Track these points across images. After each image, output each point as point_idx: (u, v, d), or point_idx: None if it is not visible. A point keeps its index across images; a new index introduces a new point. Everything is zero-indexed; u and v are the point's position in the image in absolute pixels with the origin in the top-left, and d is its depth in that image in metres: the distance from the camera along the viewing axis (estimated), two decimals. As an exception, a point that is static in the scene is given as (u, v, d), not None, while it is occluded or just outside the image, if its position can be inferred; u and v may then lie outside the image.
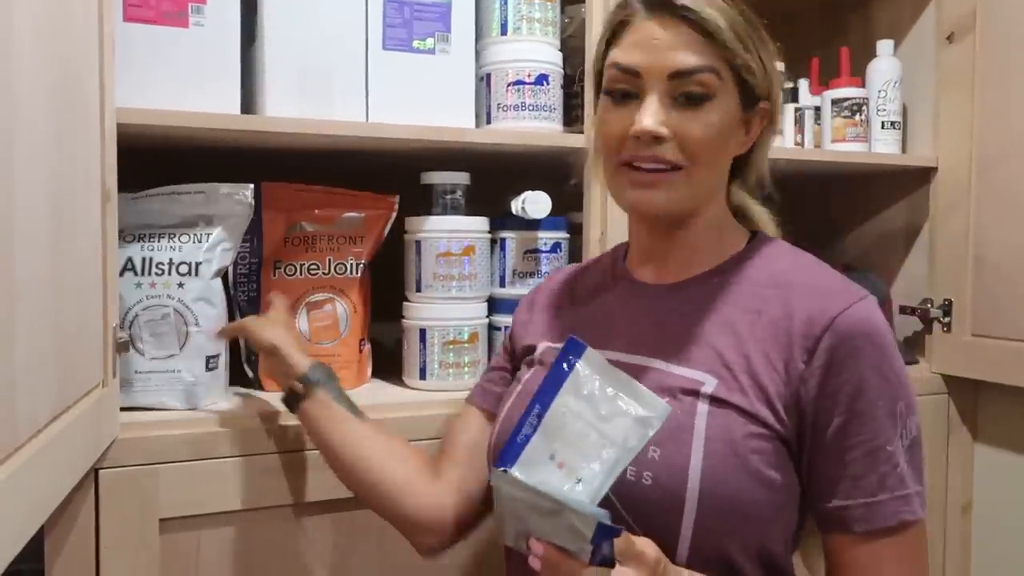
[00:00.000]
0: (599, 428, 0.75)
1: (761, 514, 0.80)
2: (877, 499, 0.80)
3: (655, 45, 0.82)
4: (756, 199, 0.97)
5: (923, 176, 1.59)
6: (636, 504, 0.80)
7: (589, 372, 0.77)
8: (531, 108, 1.25)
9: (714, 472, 0.78)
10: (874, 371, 0.80)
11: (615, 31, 0.87)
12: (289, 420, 1.08)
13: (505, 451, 0.75)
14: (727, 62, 0.83)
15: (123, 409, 1.02)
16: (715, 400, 0.81)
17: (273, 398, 1.20)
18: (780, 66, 0.88)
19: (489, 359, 1.31)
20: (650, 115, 0.82)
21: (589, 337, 0.82)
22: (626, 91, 0.84)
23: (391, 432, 1.02)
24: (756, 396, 0.81)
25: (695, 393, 0.82)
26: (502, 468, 0.73)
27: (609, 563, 0.70)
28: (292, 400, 1.02)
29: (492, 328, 1.32)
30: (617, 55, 0.85)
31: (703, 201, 0.88)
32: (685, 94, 0.82)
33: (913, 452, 0.82)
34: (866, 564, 0.80)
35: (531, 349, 0.99)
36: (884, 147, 1.57)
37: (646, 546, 0.72)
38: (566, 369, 0.77)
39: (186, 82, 1.07)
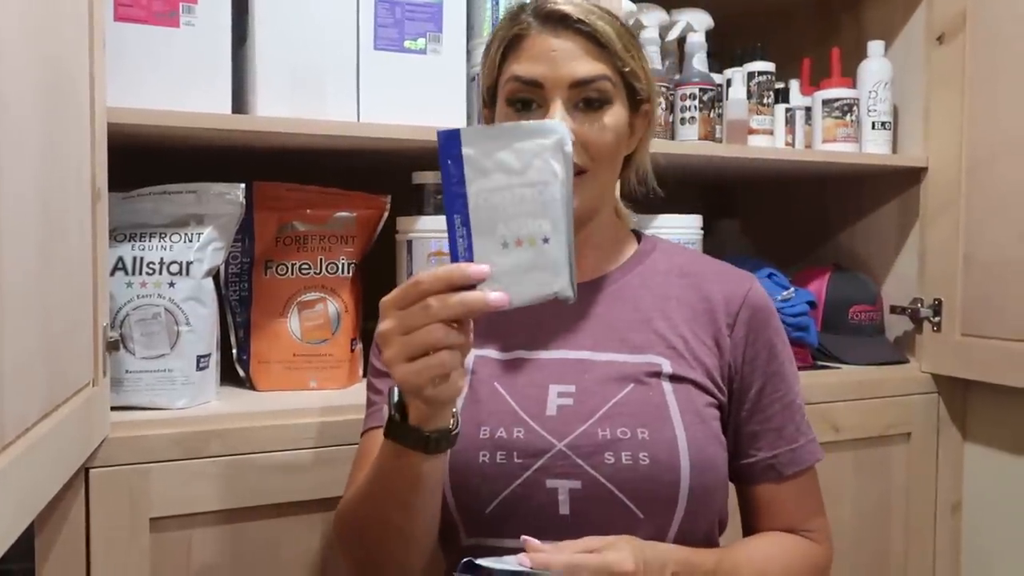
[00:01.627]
0: (525, 182, 0.72)
1: (724, 476, 0.91)
2: (799, 444, 0.94)
3: (553, 57, 0.87)
4: (639, 194, 1.03)
5: (913, 176, 1.59)
6: (636, 486, 0.84)
7: (476, 150, 0.72)
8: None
9: (696, 441, 0.87)
10: (777, 336, 0.95)
11: (510, 44, 0.90)
12: (280, 420, 1.09)
13: (453, 256, 0.72)
14: (617, 69, 0.89)
15: (114, 408, 1.02)
16: (674, 378, 0.89)
17: (264, 397, 1.20)
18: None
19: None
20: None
21: (523, 340, 0.92)
22: (528, 100, 0.88)
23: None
24: (701, 370, 0.91)
25: (657, 375, 0.89)
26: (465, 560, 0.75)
27: None
28: (438, 442, 0.77)
29: (483, 328, 1.32)
30: (516, 68, 0.89)
31: (602, 202, 0.94)
32: (585, 100, 0.87)
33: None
34: (790, 499, 0.94)
35: None
36: (875, 147, 1.58)
37: (619, 544, 0.78)
38: (456, 163, 0.72)
39: (177, 82, 1.07)
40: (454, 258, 0.72)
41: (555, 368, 0.90)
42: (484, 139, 0.72)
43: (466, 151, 0.72)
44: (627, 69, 0.89)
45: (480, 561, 0.75)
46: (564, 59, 0.87)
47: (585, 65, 0.87)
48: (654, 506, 0.84)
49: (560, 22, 0.88)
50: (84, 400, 0.86)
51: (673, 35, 1.44)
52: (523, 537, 0.78)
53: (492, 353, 0.93)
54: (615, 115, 0.89)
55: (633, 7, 1.36)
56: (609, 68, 0.88)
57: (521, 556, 0.76)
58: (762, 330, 0.94)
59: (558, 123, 0.75)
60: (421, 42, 1.20)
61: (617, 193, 1.05)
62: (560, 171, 0.71)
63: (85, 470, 0.96)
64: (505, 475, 0.85)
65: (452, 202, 0.72)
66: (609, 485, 0.84)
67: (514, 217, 0.72)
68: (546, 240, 0.71)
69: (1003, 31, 1.41)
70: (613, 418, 0.86)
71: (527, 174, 0.71)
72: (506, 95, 0.90)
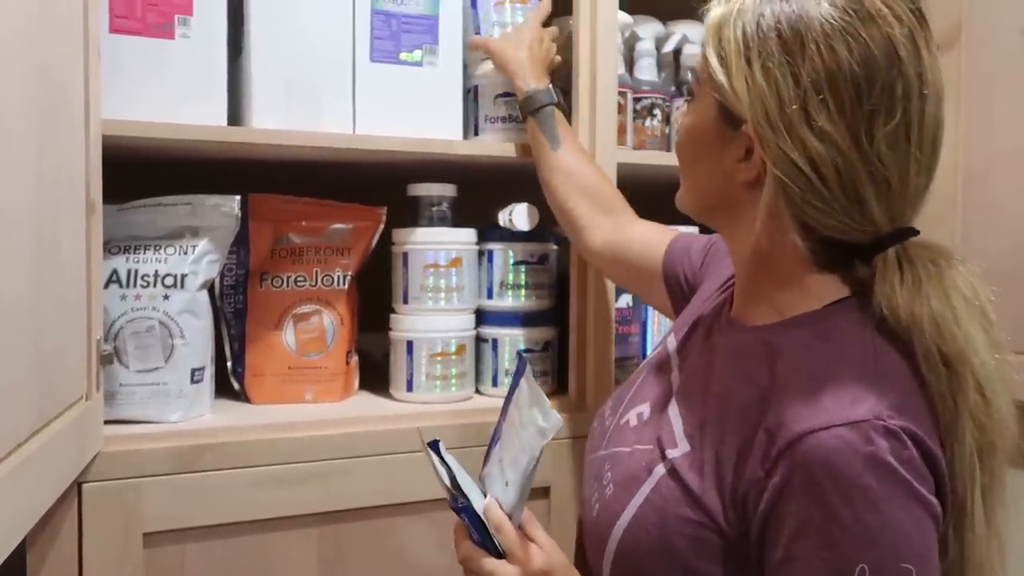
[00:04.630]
0: (521, 436, 0.83)
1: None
2: None
3: None
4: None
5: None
6: (585, 528, 0.86)
7: (526, 387, 0.85)
8: (519, 120, 1.25)
9: (635, 536, 0.76)
10: (828, 516, 0.64)
11: None
12: (275, 433, 1.08)
13: (486, 456, 0.91)
14: (703, 69, 0.76)
15: (107, 422, 1.01)
16: (673, 470, 0.75)
17: (259, 410, 1.20)
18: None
19: (477, 370, 1.31)
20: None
21: (678, 342, 0.90)
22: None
23: (580, 167, 1.17)
24: (711, 483, 0.72)
25: (663, 451, 0.78)
26: (429, 441, 0.87)
27: (496, 555, 0.83)
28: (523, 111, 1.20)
29: (479, 340, 1.32)
30: None
31: (703, 209, 0.82)
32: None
33: None
34: None
35: (687, 298, 1.01)
36: (870, 159, 1.58)
37: (535, 553, 0.81)
38: (515, 383, 0.87)
39: (172, 94, 1.06)
40: (493, 436, 0.91)
41: (660, 385, 0.88)
42: (531, 387, 0.84)
43: (522, 382, 0.86)
44: (710, 68, 0.74)
45: (448, 457, 0.88)
46: None
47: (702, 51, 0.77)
48: (591, 556, 0.84)
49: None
50: (77, 415, 0.85)
51: (669, 47, 1.44)
52: (493, 496, 0.85)
53: (671, 337, 0.94)
54: (693, 112, 0.80)
55: (630, 19, 1.36)
56: (700, 62, 0.77)
57: (489, 501, 0.84)
58: (801, 493, 0.65)
59: (558, 420, 0.79)
60: (417, 54, 1.20)
61: (809, 256, 0.75)
62: (535, 449, 0.80)
63: (78, 485, 0.96)
64: (591, 444, 0.93)
65: (504, 406, 0.90)
66: (585, 506, 0.87)
67: (509, 451, 0.85)
68: (507, 483, 0.84)
69: (998, 42, 1.42)
70: (614, 461, 0.85)
71: (525, 431, 0.82)
72: None
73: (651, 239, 1.11)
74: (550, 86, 1.20)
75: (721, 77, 0.73)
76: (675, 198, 0.86)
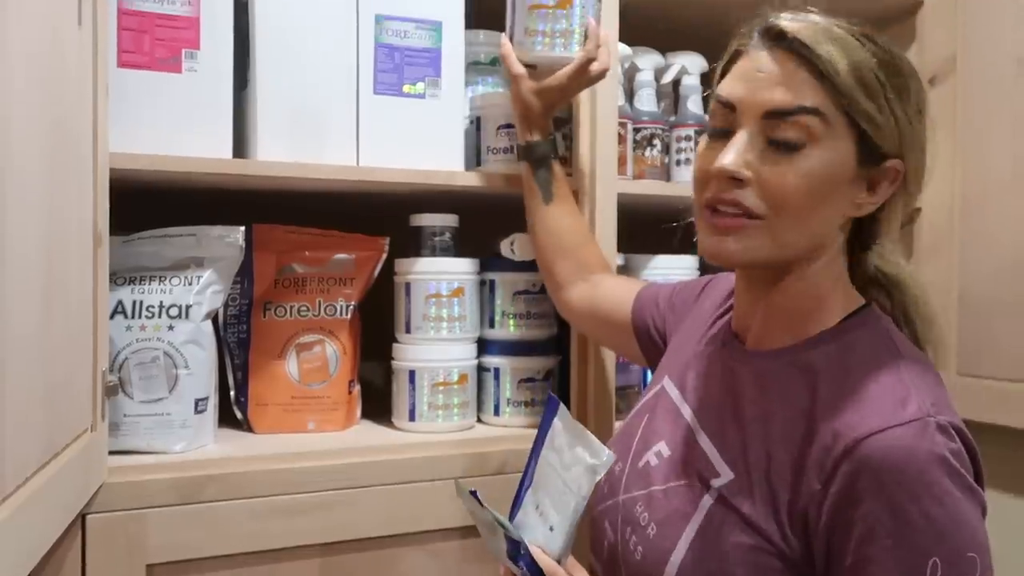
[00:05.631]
0: (564, 477, 0.80)
1: None
2: None
3: (758, 78, 0.75)
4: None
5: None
6: (628, 570, 0.83)
7: (561, 426, 0.82)
8: (520, 151, 1.27)
9: (691, 571, 0.75)
10: (896, 514, 0.66)
11: (730, 60, 0.80)
12: (278, 464, 1.08)
13: (514, 503, 0.87)
14: (841, 108, 0.73)
15: (111, 453, 1.02)
16: (721, 498, 0.75)
17: (262, 440, 1.20)
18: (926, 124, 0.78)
19: (478, 399, 1.32)
20: (732, 153, 0.74)
21: (679, 372, 0.90)
22: (722, 127, 0.77)
23: (566, 225, 1.19)
24: (765, 505, 0.73)
25: (706, 482, 0.77)
26: (469, 490, 0.82)
27: None
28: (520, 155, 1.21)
29: (481, 369, 1.33)
30: (721, 86, 0.78)
31: (792, 259, 0.78)
32: (779, 138, 0.73)
33: None
34: None
35: (657, 347, 1.03)
36: (868, 188, 1.59)
37: None
38: (546, 424, 0.84)
39: (178, 126, 1.07)
40: (521, 483, 0.88)
41: (673, 423, 0.87)
42: (569, 424, 0.82)
43: (556, 422, 0.83)
44: (857, 109, 0.73)
45: (485, 503, 0.83)
46: (767, 83, 0.74)
47: (787, 94, 0.73)
48: None
49: (780, 40, 0.74)
50: (82, 447, 0.86)
51: (668, 78, 1.45)
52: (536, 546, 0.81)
53: (666, 379, 0.93)
54: (822, 162, 0.73)
55: (629, 51, 1.38)
56: (826, 103, 0.73)
57: (535, 550, 0.80)
58: (868, 496, 0.67)
59: (611, 456, 0.78)
60: (420, 86, 1.21)
61: (842, 273, 0.82)
62: (584, 488, 0.78)
63: (82, 516, 0.96)
64: (599, 495, 0.90)
65: (535, 450, 0.86)
66: (619, 553, 0.84)
67: (548, 494, 0.82)
68: (551, 528, 0.81)
69: (993, 73, 1.44)
70: (648, 501, 0.83)
71: (569, 472, 0.80)
72: (708, 117, 0.81)
73: (619, 292, 1.13)
74: (552, 137, 1.21)
75: (876, 116, 0.74)
76: (738, 253, 0.77)
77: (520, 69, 1.16)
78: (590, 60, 1.14)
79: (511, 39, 1.17)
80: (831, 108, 0.73)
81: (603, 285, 1.17)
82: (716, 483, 0.76)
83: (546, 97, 1.17)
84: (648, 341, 1.07)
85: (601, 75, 1.16)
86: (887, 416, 0.69)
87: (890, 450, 0.67)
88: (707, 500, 0.76)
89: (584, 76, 1.15)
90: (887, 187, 0.78)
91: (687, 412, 0.86)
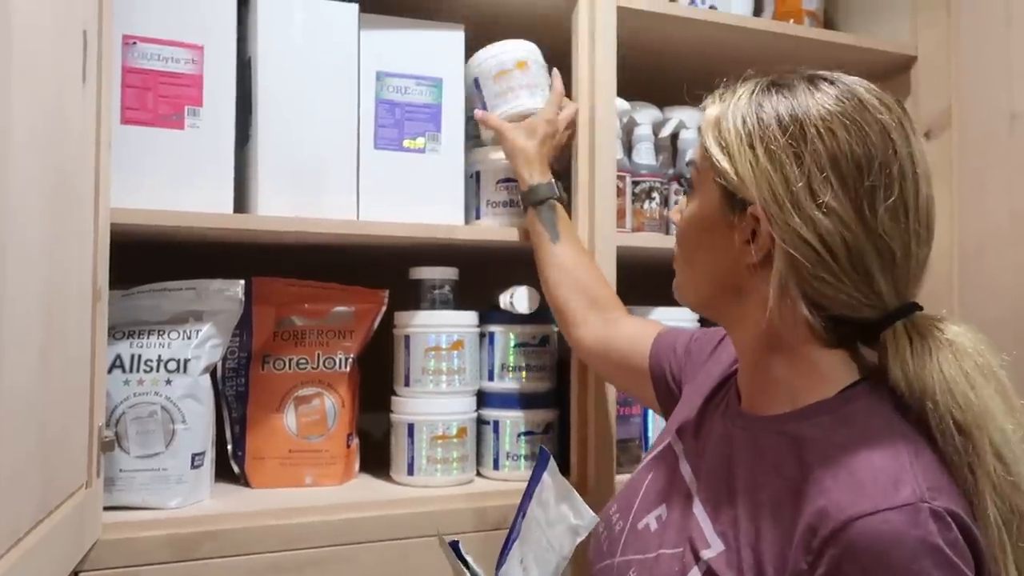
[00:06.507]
0: (547, 535, 0.81)
1: None
2: None
3: None
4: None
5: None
6: None
7: (549, 480, 0.84)
8: (520, 204, 1.27)
9: None
10: None
11: None
12: (275, 520, 1.07)
13: (501, 552, 0.88)
14: (705, 158, 0.79)
15: (106, 508, 1.01)
16: (709, 571, 0.74)
17: (258, 495, 1.19)
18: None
19: (478, 453, 1.31)
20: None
21: (691, 432, 0.88)
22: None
23: (577, 263, 1.19)
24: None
25: (697, 553, 0.76)
26: (450, 541, 0.84)
27: None
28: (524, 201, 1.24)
29: (480, 422, 1.32)
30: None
31: (708, 303, 0.83)
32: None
33: None
34: None
35: (673, 395, 1.01)
36: (867, 240, 1.59)
37: None
38: (536, 479, 0.85)
39: (180, 181, 1.08)
40: (509, 533, 0.90)
41: (674, 485, 0.86)
42: (557, 480, 0.84)
43: (545, 476, 0.85)
44: (711, 159, 0.77)
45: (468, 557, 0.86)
46: None
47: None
48: None
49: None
50: (77, 503, 0.85)
51: (666, 132, 1.47)
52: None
53: (673, 435, 0.92)
54: (695, 203, 0.81)
55: (627, 105, 1.40)
56: (697, 154, 0.81)
57: None
58: None
59: (593, 518, 0.80)
60: (420, 141, 1.23)
61: (799, 329, 0.76)
62: (566, 548, 0.80)
63: (75, 575, 0.94)
64: (598, 552, 0.88)
65: (524, 502, 0.89)
66: None
67: (531, 549, 0.84)
68: None
69: (988, 128, 1.45)
70: (641, 567, 0.82)
71: (553, 530, 0.81)
72: None
73: (638, 335, 1.12)
74: (552, 180, 1.23)
75: (725, 164, 0.76)
76: (674, 291, 0.87)
77: (503, 123, 1.25)
78: (563, 93, 1.26)
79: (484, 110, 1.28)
80: (701, 158, 0.80)
81: (619, 325, 1.15)
82: (706, 555, 0.74)
83: (538, 133, 1.22)
84: (664, 388, 1.05)
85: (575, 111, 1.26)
86: (878, 499, 0.65)
87: (879, 536, 0.63)
88: (695, 572, 0.75)
89: (562, 106, 1.25)
90: (765, 238, 0.74)
91: (687, 473, 0.85)
